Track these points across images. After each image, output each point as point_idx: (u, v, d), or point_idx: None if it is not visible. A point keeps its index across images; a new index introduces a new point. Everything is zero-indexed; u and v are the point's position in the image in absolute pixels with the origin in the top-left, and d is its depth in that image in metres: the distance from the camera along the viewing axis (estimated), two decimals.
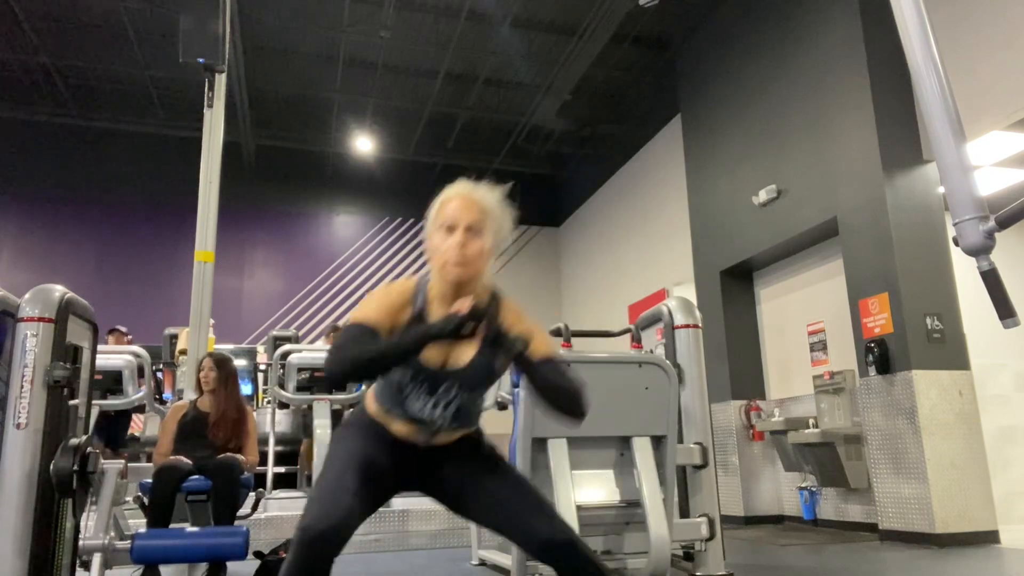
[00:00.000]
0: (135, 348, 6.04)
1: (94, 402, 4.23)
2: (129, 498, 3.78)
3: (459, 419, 1.88)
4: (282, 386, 6.06)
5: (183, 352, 6.69)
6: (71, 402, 2.84)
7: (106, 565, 3.09)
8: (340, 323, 10.96)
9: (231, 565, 4.28)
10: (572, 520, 2.75)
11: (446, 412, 1.84)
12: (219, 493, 3.73)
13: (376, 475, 1.82)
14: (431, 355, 1.80)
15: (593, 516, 2.94)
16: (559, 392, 1.76)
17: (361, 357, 1.68)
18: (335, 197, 12.41)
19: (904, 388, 5.31)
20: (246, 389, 7.85)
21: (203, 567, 3.65)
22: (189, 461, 3.81)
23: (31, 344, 2.70)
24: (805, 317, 6.91)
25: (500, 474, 1.88)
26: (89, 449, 2.74)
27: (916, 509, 5.15)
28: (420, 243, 12.69)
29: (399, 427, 1.87)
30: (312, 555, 1.61)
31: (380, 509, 5.17)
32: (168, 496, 3.65)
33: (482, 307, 1.70)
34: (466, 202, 1.79)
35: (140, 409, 6.48)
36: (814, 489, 6.43)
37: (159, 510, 3.61)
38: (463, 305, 1.70)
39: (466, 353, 1.82)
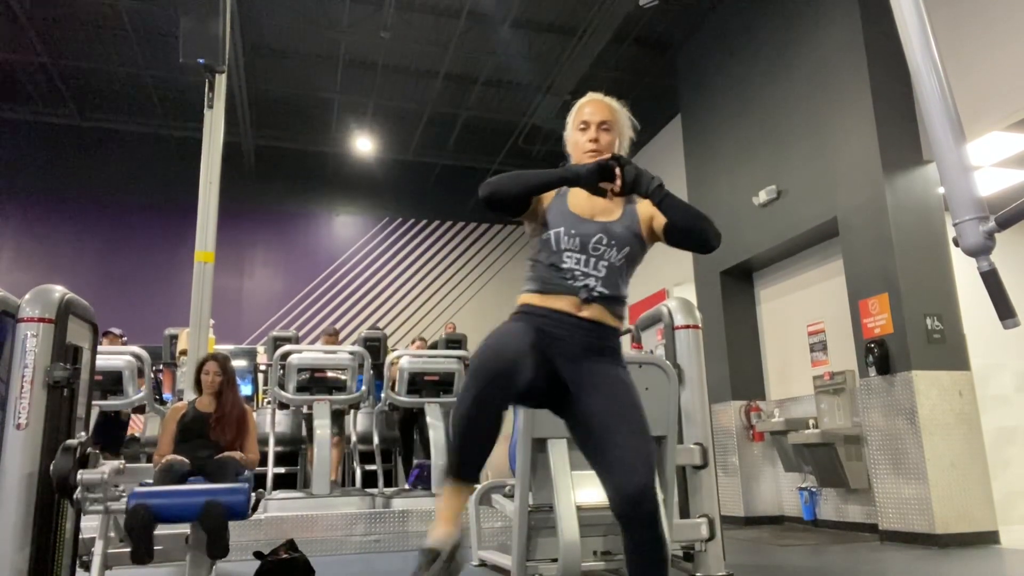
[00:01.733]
0: (135, 348, 6.04)
1: (94, 402, 4.24)
2: None
3: (609, 284, 1.96)
4: (282, 386, 6.06)
5: (183, 352, 6.69)
6: (71, 403, 2.84)
7: (106, 565, 3.08)
8: (337, 326, 10.98)
9: (231, 565, 4.29)
10: (572, 520, 2.75)
11: (597, 270, 1.96)
12: None
13: (527, 362, 1.78)
14: (581, 207, 2.03)
15: (593, 516, 2.94)
16: (695, 217, 1.95)
17: (510, 175, 1.95)
18: (335, 197, 12.41)
19: (904, 388, 5.31)
20: (246, 389, 7.86)
21: (205, 564, 3.65)
22: (187, 461, 3.81)
23: (31, 344, 2.70)
24: (805, 317, 6.91)
25: (612, 391, 1.89)
26: (89, 449, 2.74)
27: (916, 509, 5.15)
28: (420, 243, 12.71)
29: (556, 301, 1.95)
30: (488, 378, 1.65)
31: (380, 509, 5.13)
32: None
33: (619, 157, 1.94)
34: (598, 105, 2.13)
35: (140, 409, 6.47)
36: (814, 489, 6.43)
37: None
38: (603, 157, 1.94)
39: (613, 211, 2.04)
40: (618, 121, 2.13)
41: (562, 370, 1.90)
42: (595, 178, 1.91)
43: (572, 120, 2.17)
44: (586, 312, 1.93)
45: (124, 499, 2.96)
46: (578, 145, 2.10)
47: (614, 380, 1.91)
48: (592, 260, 1.96)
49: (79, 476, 2.62)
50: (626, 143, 2.15)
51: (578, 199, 2.05)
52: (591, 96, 2.17)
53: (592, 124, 2.09)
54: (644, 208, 2.05)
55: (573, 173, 1.92)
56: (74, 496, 2.67)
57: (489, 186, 1.93)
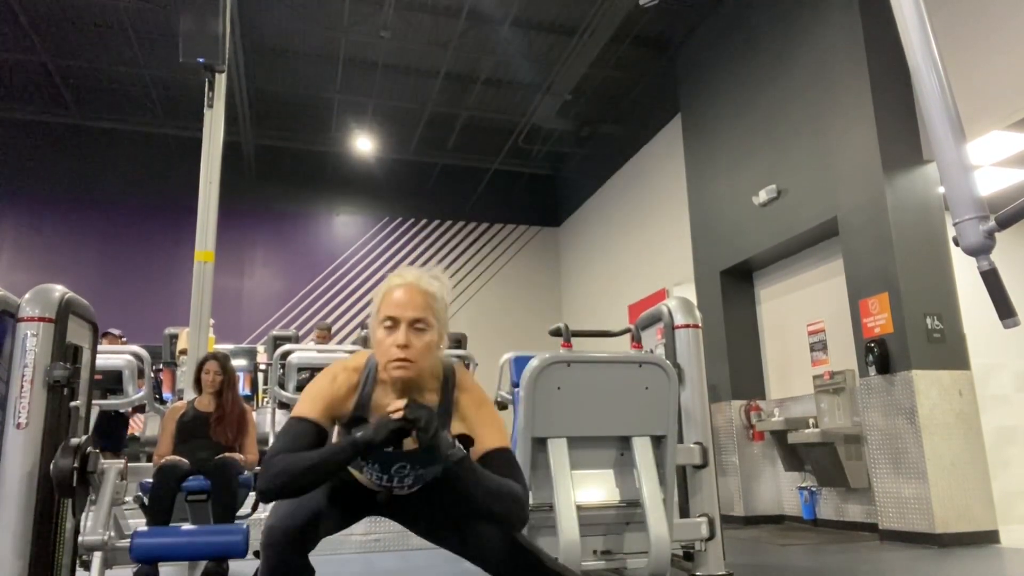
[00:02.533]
0: (135, 348, 6.03)
1: (94, 402, 4.23)
2: (129, 498, 3.78)
3: (419, 484, 1.89)
4: (282, 386, 6.06)
5: (183, 352, 6.69)
6: (71, 403, 2.84)
7: (106, 565, 3.08)
8: (329, 320, 10.96)
9: (231, 565, 4.28)
10: (572, 520, 2.75)
11: (402, 483, 1.86)
12: (217, 493, 3.73)
13: (343, 497, 1.84)
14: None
15: (593, 516, 2.94)
16: (494, 495, 1.67)
17: (294, 471, 1.62)
18: (335, 197, 12.41)
19: (904, 388, 5.31)
20: (245, 389, 7.86)
21: (202, 566, 3.65)
22: (187, 461, 3.81)
23: (31, 344, 2.70)
24: (805, 317, 6.91)
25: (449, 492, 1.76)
26: (89, 449, 2.74)
27: (916, 509, 5.15)
28: (420, 243, 12.71)
29: (361, 479, 1.91)
30: (279, 554, 1.64)
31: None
32: (168, 496, 3.65)
33: (415, 415, 1.63)
34: (411, 293, 1.71)
35: (140, 409, 6.47)
36: (814, 489, 6.43)
37: (159, 510, 3.61)
38: (397, 406, 1.64)
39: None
40: (437, 312, 1.73)
41: (415, 514, 1.95)
42: (389, 442, 1.67)
43: (378, 308, 1.74)
44: (393, 493, 1.91)
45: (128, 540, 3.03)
46: (382, 347, 1.70)
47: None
48: (394, 478, 1.84)
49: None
50: (444, 336, 1.79)
51: (380, 409, 1.76)
52: (403, 278, 1.75)
53: (402, 322, 1.68)
54: (463, 407, 1.81)
55: (364, 443, 1.65)
56: (75, 497, 2.68)
57: (274, 484, 1.63)
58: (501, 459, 1.73)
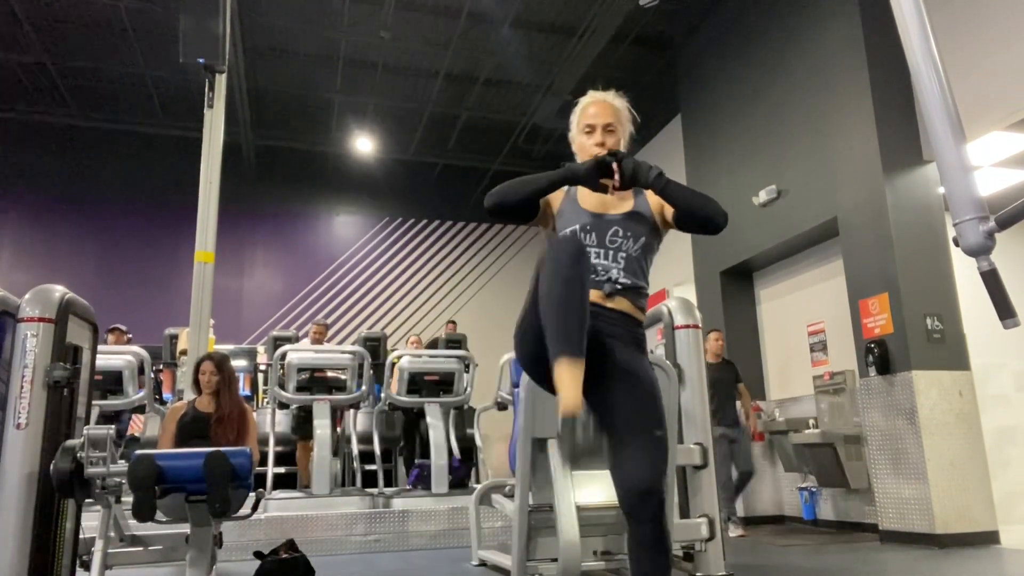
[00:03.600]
0: (135, 348, 6.04)
1: (94, 402, 4.23)
2: (129, 497, 3.77)
3: (631, 274, 2.04)
4: (282, 386, 6.06)
5: (183, 352, 6.69)
6: (69, 400, 2.84)
7: (106, 565, 3.08)
8: (337, 325, 10.97)
9: (231, 565, 4.29)
10: (572, 520, 2.75)
11: (617, 262, 2.02)
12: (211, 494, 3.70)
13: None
14: (592, 203, 2.09)
15: (593, 516, 2.94)
16: (698, 200, 1.98)
17: (512, 182, 1.97)
18: (335, 197, 12.40)
19: (904, 388, 5.31)
20: (245, 389, 7.86)
21: (206, 564, 3.64)
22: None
23: (31, 344, 2.70)
24: (805, 317, 6.91)
25: (635, 385, 1.92)
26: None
27: (916, 509, 5.15)
28: (420, 243, 12.70)
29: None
30: (568, 261, 1.74)
31: (380, 509, 5.13)
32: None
33: (616, 151, 1.98)
34: (602, 106, 2.14)
35: (140, 409, 6.48)
36: (814, 489, 6.43)
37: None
38: (600, 151, 2.00)
39: (624, 203, 2.10)
40: (622, 121, 2.16)
41: (596, 350, 1.92)
42: (595, 175, 1.95)
43: (576, 121, 2.18)
44: (612, 304, 1.99)
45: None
46: (584, 148, 2.11)
47: (638, 375, 1.94)
48: (611, 252, 2.02)
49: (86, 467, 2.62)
50: (628, 138, 2.18)
51: (588, 196, 2.10)
52: (594, 96, 2.18)
53: (597, 127, 2.11)
54: (654, 197, 2.09)
55: (572, 172, 1.96)
56: (75, 497, 2.67)
57: (494, 196, 1.98)
58: (684, 186, 2.03)
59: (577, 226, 2.03)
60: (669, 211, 2.06)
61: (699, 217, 1.98)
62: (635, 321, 2.04)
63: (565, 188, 2.11)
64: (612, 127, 2.12)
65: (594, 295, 1.96)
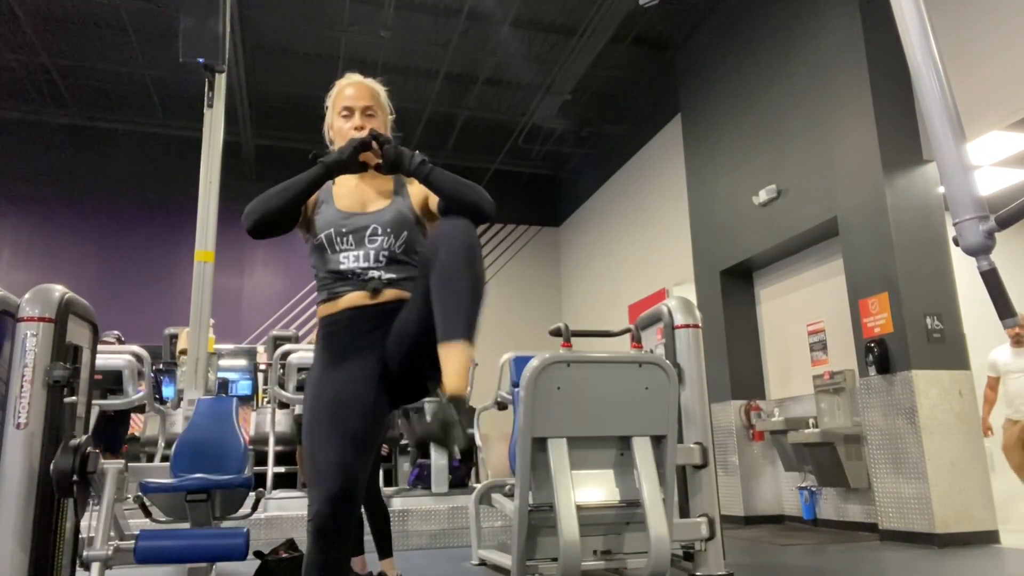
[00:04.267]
0: (135, 348, 6.04)
1: (94, 402, 4.23)
2: (129, 497, 3.77)
3: (395, 268, 1.93)
4: (282, 386, 6.06)
5: (183, 352, 6.69)
6: (69, 400, 2.83)
7: (106, 565, 3.08)
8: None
9: (231, 565, 4.29)
10: (572, 520, 2.75)
11: (379, 260, 1.92)
12: None
13: (353, 402, 1.81)
14: (348, 202, 1.99)
15: (593, 516, 2.94)
16: (464, 188, 1.84)
17: (267, 193, 1.86)
18: None
19: (904, 388, 5.31)
20: (245, 389, 7.86)
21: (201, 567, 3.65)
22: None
23: (31, 344, 2.70)
24: (805, 317, 6.91)
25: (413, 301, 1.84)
26: (89, 449, 2.74)
27: (916, 509, 5.15)
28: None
29: (346, 300, 1.91)
30: (324, 539, 1.68)
31: None
32: None
33: (376, 133, 1.87)
34: (360, 88, 2.09)
35: (140, 409, 6.47)
36: (814, 489, 6.43)
37: None
38: (360, 133, 1.90)
39: (383, 199, 2.01)
40: (382, 104, 2.10)
41: (383, 357, 1.89)
42: (355, 158, 1.87)
43: (333, 104, 2.11)
44: (380, 298, 1.91)
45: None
46: (342, 132, 2.04)
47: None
48: (371, 253, 1.92)
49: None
50: (388, 125, 2.12)
51: (345, 194, 2.01)
52: (351, 78, 2.13)
53: (356, 110, 2.05)
54: (417, 188, 2.00)
55: (332, 162, 1.87)
56: (75, 497, 2.68)
57: (253, 213, 1.85)
58: (450, 173, 1.90)
59: (332, 229, 1.94)
60: (434, 201, 1.93)
61: (467, 205, 1.82)
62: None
63: (318, 196, 2.00)
64: (371, 110, 2.05)
65: (358, 297, 1.90)
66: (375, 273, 1.91)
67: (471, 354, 1.66)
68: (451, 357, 1.64)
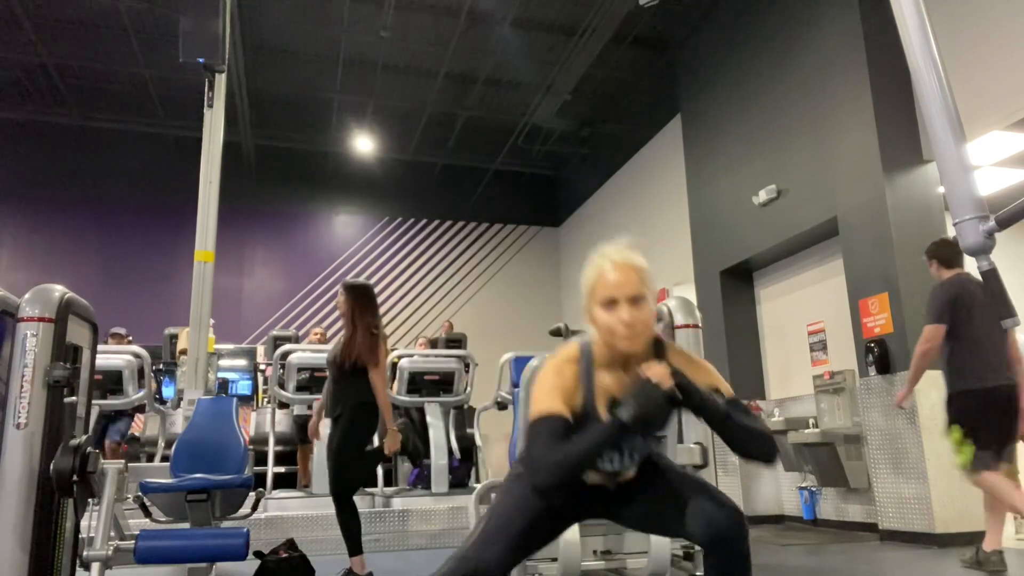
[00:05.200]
0: (135, 348, 6.04)
1: (94, 402, 4.23)
2: (129, 497, 3.77)
3: (643, 458, 1.88)
4: (282, 386, 6.06)
5: (183, 352, 6.69)
6: (69, 400, 2.83)
7: (106, 565, 3.08)
8: (322, 327, 10.94)
9: (231, 565, 4.28)
10: None
11: (633, 460, 1.84)
12: None
13: (551, 516, 1.83)
14: (606, 399, 1.79)
15: None
16: (753, 436, 1.75)
17: (567, 462, 1.65)
18: (335, 197, 12.41)
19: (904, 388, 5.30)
20: (245, 389, 7.86)
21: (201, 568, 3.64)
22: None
23: (31, 344, 2.70)
24: (805, 317, 6.91)
25: (662, 475, 1.85)
26: (89, 449, 2.74)
27: (916, 509, 5.15)
28: (420, 243, 12.70)
29: (589, 478, 1.87)
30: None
31: (380, 508, 5.10)
32: None
33: (680, 379, 1.71)
34: (626, 273, 1.74)
35: (140, 409, 6.48)
36: (814, 489, 6.43)
37: None
38: (656, 371, 1.69)
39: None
40: (649, 286, 1.77)
41: (609, 514, 1.94)
42: (662, 410, 1.73)
43: (591, 291, 1.78)
44: (627, 476, 1.88)
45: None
46: (606, 327, 1.74)
47: (659, 467, 1.89)
48: (627, 455, 1.83)
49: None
50: (654, 303, 1.84)
51: (606, 390, 1.80)
52: (614, 259, 1.77)
53: (622, 300, 1.72)
54: (681, 365, 1.82)
55: (635, 418, 1.66)
56: (75, 497, 2.68)
57: (553, 474, 1.66)
58: (739, 407, 1.79)
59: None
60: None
61: (754, 458, 1.79)
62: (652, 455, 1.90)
63: (583, 390, 1.79)
64: (639, 298, 1.73)
65: (598, 478, 1.86)
66: (627, 469, 1.85)
67: None
68: None
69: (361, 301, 3.94)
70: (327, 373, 4.10)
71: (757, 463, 1.80)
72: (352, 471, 3.89)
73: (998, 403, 4.05)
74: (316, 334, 7.67)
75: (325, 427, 5.65)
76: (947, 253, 4.27)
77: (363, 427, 3.88)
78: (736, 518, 1.72)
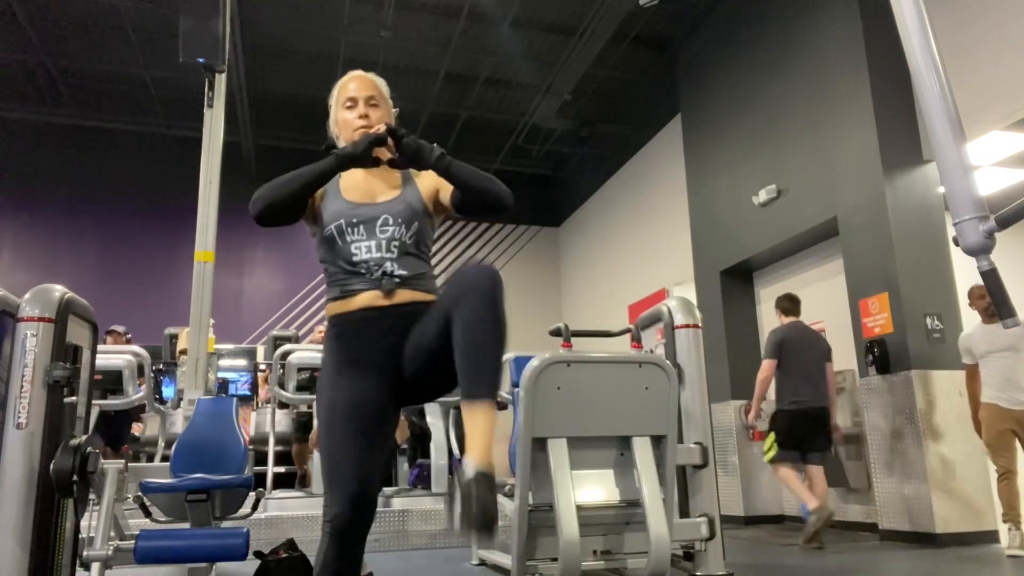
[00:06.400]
0: (135, 348, 6.04)
1: (94, 402, 4.23)
2: (129, 497, 3.77)
3: (407, 264, 1.92)
4: (282, 386, 6.06)
5: (183, 352, 6.69)
6: (69, 400, 2.83)
7: (106, 565, 3.08)
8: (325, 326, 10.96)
9: (231, 565, 4.29)
10: (572, 520, 2.75)
11: (391, 250, 1.90)
12: None
13: (368, 405, 1.82)
14: (356, 194, 1.98)
15: (593, 516, 2.94)
16: (484, 180, 1.88)
17: (276, 181, 1.87)
18: None
19: (904, 388, 5.31)
20: (245, 389, 7.85)
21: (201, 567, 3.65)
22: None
23: (31, 344, 2.70)
24: (805, 317, 6.89)
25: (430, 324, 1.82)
26: (89, 449, 2.74)
27: (916, 509, 5.15)
28: None
29: (360, 300, 1.89)
30: (342, 541, 1.74)
31: (380, 508, 5.11)
32: None
33: (393, 127, 1.87)
34: (362, 80, 2.09)
35: (140, 409, 6.47)
36: None
37: None
38: (376, 128, 1.88)
39: (391, 191, 2.00)
40: (384, 96, 2.11)
41: (398, 362, 1.88)
42: (369, 152, 1.85)
43: (337, 98, 2.11)
44: (394, 299, 1.89)
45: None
46: (347, 123, 2.03)
47: (428, 320, 1.84)
48: (383, 243, 1.91)
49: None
50: (392, 118, 2.10)
51: (352, 186, 2.01)
52: (354, 72, 2.14)
53: (360, 100, 2.04)
54: (425, 182, 2.02)
55: (346, 155, 1.85)
56: (75, 497, 2.68)
57: (260, 200, 1.85)
58: (466, 165, 1.91)
59: (342, 220, 1.93)
60: (446, 194, 1.96)
61: (488, 196, 1.88)
62: (424, 304, 1.90)
63: (324, 190, 2.00)
64: (375, 100, 2.05)
65: (371, 297, 1.88)
66: (389, 266, 1.89)
67: (495, 415, 1.64)
68: (477, 420, 1.61)
69: None
70: None
71: (495, 206, 1.89)
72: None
73: (807, 420, 5.30)
74: (320, 332, 7.67)
75: None
76: (788, 305, 5.79)
77: None
78: (488, 271, 1.75)
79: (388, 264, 1.90)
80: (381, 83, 2.14)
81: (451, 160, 1.84)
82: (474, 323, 1.67)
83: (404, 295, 1.90)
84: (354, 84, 2.08)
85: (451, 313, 1.70)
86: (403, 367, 1.88)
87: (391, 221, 1.93)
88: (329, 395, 1.85)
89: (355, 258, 1.91)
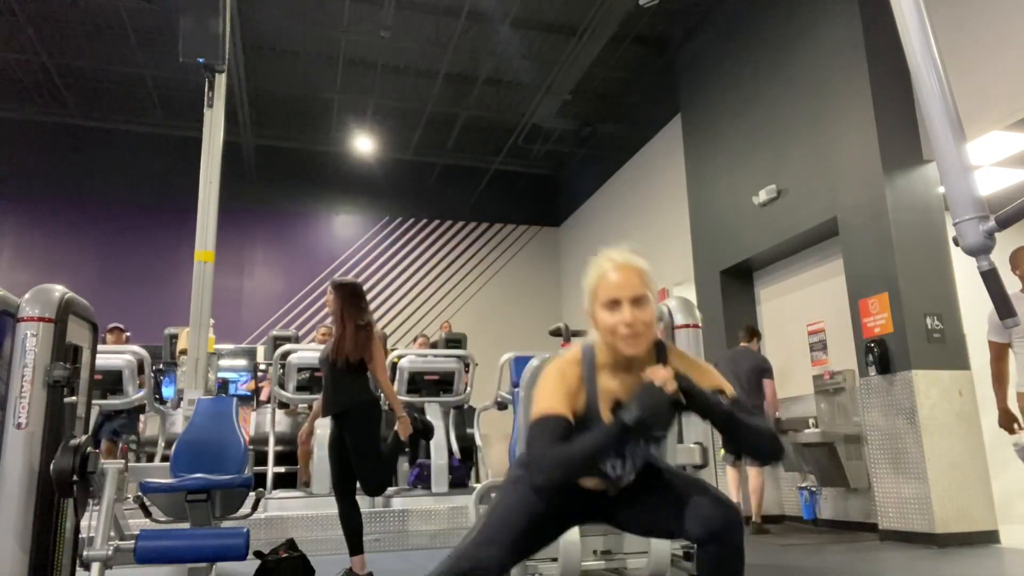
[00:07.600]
0: (135, 348, 6.04)
1: (94, 402, 4.23)
2: (129, 497, 3.78)
3: (645, 464, 1.86)
4: (282, 386, 6.06)
5: (183, 352, 6.69)
6: (69, 400, 2.83)
7: (106, 565, 3.08)
8: (327, 326, 10.97)
9: (231, 565, 4.29)
10: None
11: (635, 466, 1.82)
12: None
13: (550, 518, 1.83)
14: (612, 397, 1.79)
15: None
16: (759, 435, 1.75)
17: (569, 462, 1.65)
18: (335, 197, 12.41)
19: (904, 388, 5.31)
20: (246, 390, 7.85)
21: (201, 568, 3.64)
22: None
23: (31, 344, 2.70)
24: (805, 317, 6.91)
25: (660, 478, 1.85)
26: (89, 449, 2.74)
27: (916, 509, 5.15)
28: (420, 243, 12.70)
29: (587, 482, 1.85)
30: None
31: (380, 508, 5.11)
32: None
33: (682, 382, 1.69)
34: (627, 274, 1.76)
35: (140, 409, 6.47)
36: (814, 489, 6.43)
37: None
38: (660, 375, 1.68)
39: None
40: (651, 286, 1.79)
41: (606, 519, 1.94)
42: (666, 414, 1.72)
43: (594, 291, 1.79)
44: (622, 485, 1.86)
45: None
46: (608, 328, 1.74)
47: (659, 472, 1.88)
48: (628, 461, 1.81)
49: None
50: (656, 304, 1.83)
51: (608, 393, 1.80)
52: (615, 261, 1.78)
53: (624, 301, 1.73)
54: (682, 367, 1.82)
55: (638, 422, 1.64)
56: (75, 497, 2.68)
57: (555, 472, 1.66)
58: (742, 407, 1.78)
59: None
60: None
61: (759, 457, 1.84)
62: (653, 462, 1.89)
63: (586, 392, 1.78)
64: (642, 299, 1.74)
65: (596, 483, 1.84)
66: (628, 476, 1.83)
67: None
68: None
69: (350, 299, 3.95)
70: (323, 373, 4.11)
71: (764, 462, 1.84)
72: (383, 467, 3.99)
73: None
74: (323, 332, 7.68)
75: (322, 427, 5.66)
76: (748, 332, 6.61)
77: (372, 424, 3.90)
78: (732, 515, 1.72)
79: (628, 476, 1.86)
80: (644, 268, 1.80)
81: (731, 415, 1.73)
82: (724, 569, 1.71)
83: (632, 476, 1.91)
84: (617, 278, 1.75)
85: (695, 533, 1.73)
86: (609, 519, 1.95)
87: (643, 442, 1.84)
88: (522, 493, 1.82)
89: (597, 472, 1.84)
